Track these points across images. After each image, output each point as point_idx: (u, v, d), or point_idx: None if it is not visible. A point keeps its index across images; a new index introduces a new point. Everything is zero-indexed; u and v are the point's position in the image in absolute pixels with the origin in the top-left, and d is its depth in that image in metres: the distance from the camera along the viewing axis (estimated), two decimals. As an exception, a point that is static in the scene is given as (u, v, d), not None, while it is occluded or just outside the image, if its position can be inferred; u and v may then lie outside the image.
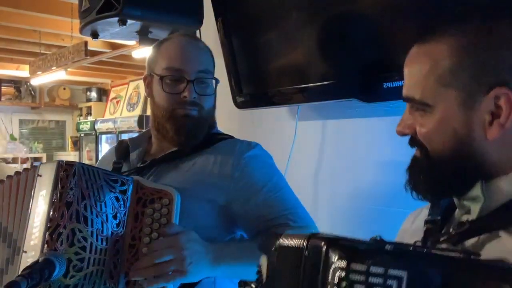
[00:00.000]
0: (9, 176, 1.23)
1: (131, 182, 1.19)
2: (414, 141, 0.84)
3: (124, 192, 1.17)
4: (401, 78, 1.33)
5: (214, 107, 1.42)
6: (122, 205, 1.16)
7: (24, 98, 8.37)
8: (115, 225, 1.13)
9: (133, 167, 1.37)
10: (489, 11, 0.80)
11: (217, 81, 1.40)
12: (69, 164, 1.13)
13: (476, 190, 0.77)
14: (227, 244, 1.30)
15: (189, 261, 1.11)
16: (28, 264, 1.02)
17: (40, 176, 1.14)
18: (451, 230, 0.77)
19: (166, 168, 1.33)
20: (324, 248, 0.69)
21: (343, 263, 0.65)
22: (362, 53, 1.49)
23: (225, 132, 1.47)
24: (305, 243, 0.73)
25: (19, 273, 1.04)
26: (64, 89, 8.61)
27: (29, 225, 1.11)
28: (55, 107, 8.70)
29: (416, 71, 0.82)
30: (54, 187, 1.10)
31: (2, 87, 8.07)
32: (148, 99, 1.41)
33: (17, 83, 8.22)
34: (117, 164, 1.40)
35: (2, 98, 8.06)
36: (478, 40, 0.77)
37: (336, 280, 0.65)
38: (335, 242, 0.69)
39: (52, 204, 1.08)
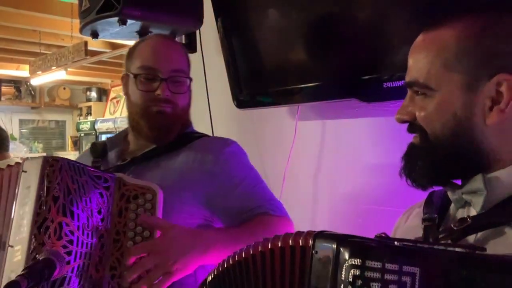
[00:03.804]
0: None
1: (114, 179, 1.21)
2: (413, 127, 0.84)
3: (107, 188, 1.19)
4: (401, 77, 1.34)
5: (188, 105, 1.45)
6: (106, 201, 1.18)
7: (24, 98, 8.37)
8: (99, 220, 1.15)
9: (112, 166, 1.39)
10: (497, 2, 0.81)
11: (191, 80, 1.43)
12: (55, 159, 1.15)
13: (477, 183, 0.77)
14: (216, 230, 1.33)
15: (174, 260, 1.13)
16: (15, 258, 1.05)
17: (25, 172, 1.15)
18: (452, 226, 0.77)
19: (146, 166, 1.36)
20: (334, 246, 0.68)
21: (357, 261, 0.65)
22: (362, 52, 1.49)
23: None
24: (311, 242, 0.72)
25: (4, 268, 1.07)
26: (64, 89, 8.61)
27: (15, 220, 1.11)
28: (55, 107, 8.70)
29: (422, 57, 0.82)
30: (41, 182, 1.11)
31: (2, 87, 8.07)
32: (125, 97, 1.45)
33: (17, 83, 8.22)
34: (95, 163, 1.42)
35: (2, 98, 8.06)
36: (486, 27, 0.78)
37: (350, 278, 0.64)
38: (345, 240, 0.68)
39: (39, 198, 1.09)
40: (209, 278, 0.93)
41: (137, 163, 1.37)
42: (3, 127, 3.23)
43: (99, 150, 1.47)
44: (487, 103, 0.77)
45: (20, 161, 1.19)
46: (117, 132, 1.56)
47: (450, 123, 0.79)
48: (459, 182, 0.83)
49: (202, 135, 1.46)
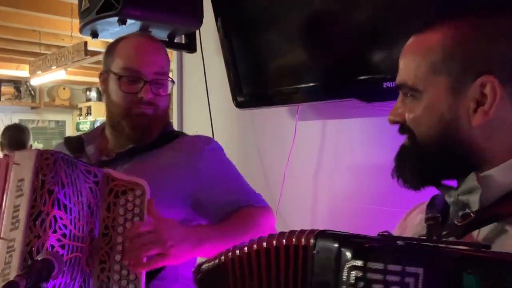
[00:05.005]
0: None
1: (102, 174, 1.22)
2: (403, 129, 0.86)
3: (96, 183, 1.20)
4: (401, 78, 1.34)
5: (168, 106, 1.46)
6: (95, 196, 1.19)
7: (24, 98, 8.37)
8: (89, 214, 1.16)
9: (95, 161, 1.39)
10: (483, 7, 0.82)
11: (173, 82, 1.45)
12: (49, 153, 1.15)
13: (471, 181, 0.78)
14: (209, 226, 1.37)
15: (170, 243, 1.16)
16: (9, 250, 1.05)
17: (18, 164, 1.14)
18: (455, 222, 0.77)
19: (132, 162, 1.37)
20: (336, 246, 0.67)
21: (359, 262, 0.64)
22: (362, 52, 1.49)
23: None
24: (312, 241, 0.71)
25: None
26: (64, 89, 8.61)
27: (6, 213, 1.11)
28: (55, 107, 8.71)
29: (411, 59, 0.84)
30: (36, 175, 1.11)
31: (2, 87, 8.07)
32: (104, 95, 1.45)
33: (17, 83, 8.22)
34: (77, 158, 1.41)
35: (2, 98, 8.06)
36: (470, 31, 0.79)
37: (352, 280, 0.63)
38: (347, 240, 0.67)
39: (34, 191, 1.10)
40: (205, 267, 0.91)
41: (122, 159, 1.38)
42: (2, 127, 3.25)
43: (75, 144, 1.47)
44: (472, 105, 0.78)
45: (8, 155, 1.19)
46: (91, 129, 1.57)
47: (437, 125, 0.80)
48: (455, 184, 0.83)
49: (182, 134, 1.50)
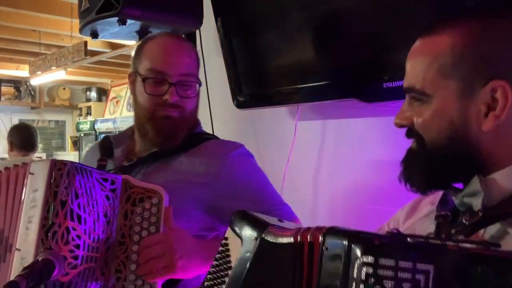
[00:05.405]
0: None
1: (121, 181, 1.21)
2: (411, 132, 0.85)
3: (114, 191, 1.19)
4: (401, 77, 1.34)
5: (196, 107, 1.42)
6: (112, 204, 1.18)
7: (23, 98, 8.37)
8: (105, 223, 1.15)
9: (119, 165, 1.37)
10: (491, 7, 0.81)
11: (199, 84, 1.40)
12: (63, 163, 1.14)
13: (475, 185, 0.78)
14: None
15: (179, 256, 1.13)
16: (22, 261, 1.04)
17: (32, 174, 1.14)
18: (463, 220, 0.77)
19: (153, 167, 1.35)
20: (346, 242, 0.67)
21: (370, 259, 0.63)
22: (362, 52, 1.49)
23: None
24: (321, 238, 0.72)
25: (11, 271, 1.06)
26: (64, 89, 8.61)
27: (21, 223, 1.11)
28: (54, 107, 8.70)
29: (418, 62, 0.83)
30: (49, 186, 1.10)
31: (1, 87, 8.07)
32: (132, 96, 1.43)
33: (16, 83, 8.22)
34: (102, 161, 1.41)
35: (2, 98, 8.05)
36: (480, 34, 0.78)
37: (363, 277, 0.63)
38: (357, 237, 0.67)
39: (46, 203, 1.09)
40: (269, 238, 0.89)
41: (143, 164, 1.35)
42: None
43: (107, 146, 1.45)
44: (483, 109, 0.77)
45: (27, 162, 1.18)
46: (123, 130, 1.54)
47: (447, 130, 0.80)
48: (461, 186, 0.83)
49: (210, 137, 1.45)
